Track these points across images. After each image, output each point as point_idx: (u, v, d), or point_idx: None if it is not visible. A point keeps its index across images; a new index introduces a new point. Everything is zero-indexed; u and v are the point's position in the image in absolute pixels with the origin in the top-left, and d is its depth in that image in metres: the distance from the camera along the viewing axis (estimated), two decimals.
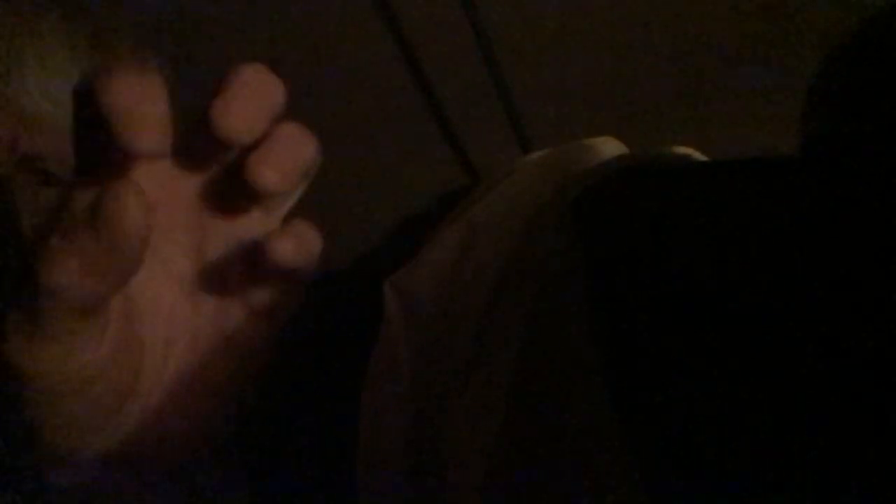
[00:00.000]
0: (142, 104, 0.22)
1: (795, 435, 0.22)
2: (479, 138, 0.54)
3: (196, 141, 0.26)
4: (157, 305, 0.27)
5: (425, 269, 0.39)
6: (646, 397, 0.27)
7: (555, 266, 0.32)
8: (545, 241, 0.34)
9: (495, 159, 0.53)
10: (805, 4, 0.50)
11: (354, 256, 0.53)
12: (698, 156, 0.38)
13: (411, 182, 0.54)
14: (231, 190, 0.27)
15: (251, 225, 0.28)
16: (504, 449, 0.31)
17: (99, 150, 0.23)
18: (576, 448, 0.29)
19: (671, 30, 0.51)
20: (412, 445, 0.35)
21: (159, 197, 0.26)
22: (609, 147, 0.41)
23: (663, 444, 0.26)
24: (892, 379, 0.20)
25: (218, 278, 0.28)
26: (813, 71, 0.25)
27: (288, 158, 0.26)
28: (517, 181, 0.41)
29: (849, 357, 0.21)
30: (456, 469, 0.32)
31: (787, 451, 0.23)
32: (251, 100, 0.25)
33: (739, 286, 0.25)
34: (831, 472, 0.22)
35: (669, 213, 0.31)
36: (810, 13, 0.50)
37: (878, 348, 0.21)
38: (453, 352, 0.35)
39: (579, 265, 0.31)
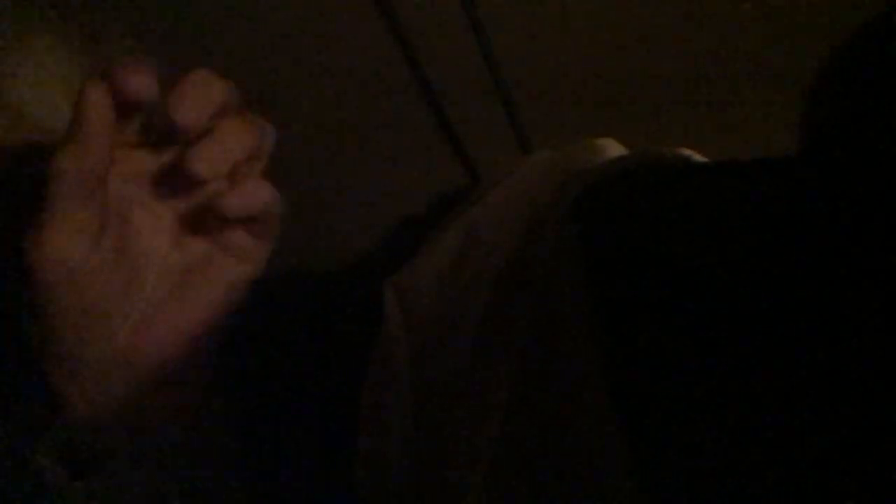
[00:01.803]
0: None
1: (795, 434, 0.23)
2: (479, 138, 0.54)
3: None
4: (151, 247, 0.33)
5: (425, 269, 0.39)
6: (646, 397, 0.27)
7: (555, 266, 0.32)
8: (545, 241, 0.34)
9: (495, 159, 0.53)
10: (805, 5, 0.50)
11: (354, 256, 0.53)
12: (698, 156, 0.38)
13: (411, 182, 0.54)
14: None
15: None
16: (504, 449, 0.31)
17: None
18: (576, 448, 0.29)
19: (671, 30, 0.51)
20: (412, 445, 0.35)
21: (150, 168, 0.33)
22: (609, 147, 0.41)
23: (663, 443, 0.26)
24: (892, 378, 0.20)
25: (199, 229, 0.34)
26: (813, 71, 0.25)
27: (218, 150, 0.31)
28: (517, 181, 0.41)
29: (849, 356, 0.21)
30: (456, 469, 0.32)
31: (787, 451, 0.23)
32: (195, 97, 0.31)
33: (739, 286, 0.25)
34: (831, 472, 0.22)
35: (669, 213, 0.31)
36: (810, 14, 0.50)
37: (878, 347, 0.21)
38: (453, 352, 0.35)
39: (579, 265, 0.31)
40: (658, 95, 0.54)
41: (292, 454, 0.41)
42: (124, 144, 0.32)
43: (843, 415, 0.21)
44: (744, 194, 0.28)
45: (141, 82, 0.29)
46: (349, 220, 0.54)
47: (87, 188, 0.30)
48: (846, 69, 0.24)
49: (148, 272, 0.33)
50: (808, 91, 0.25)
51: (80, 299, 0.30)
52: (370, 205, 0.54)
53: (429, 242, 0.41)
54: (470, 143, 0.53)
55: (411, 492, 0.35)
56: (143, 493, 0.31)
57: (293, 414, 0.41)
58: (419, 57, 0.48)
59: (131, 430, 0.32)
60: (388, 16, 0.46)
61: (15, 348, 0.31)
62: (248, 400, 0.35)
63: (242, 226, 0.34)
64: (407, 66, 0.48)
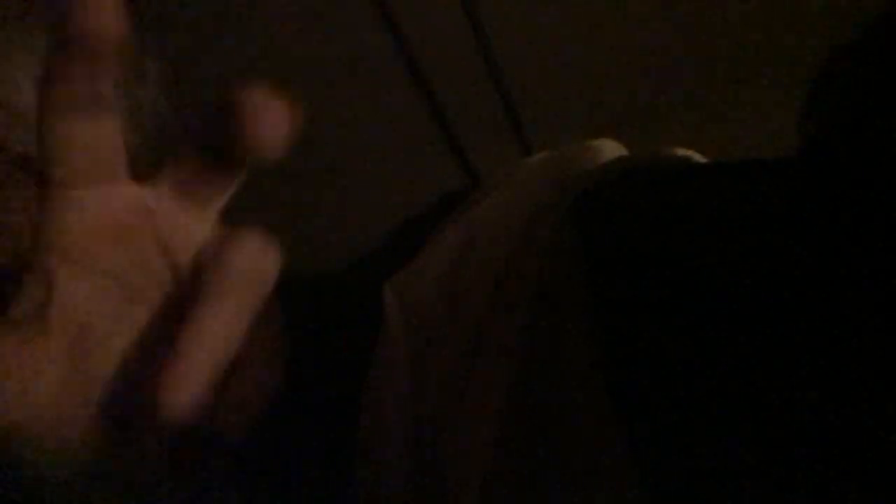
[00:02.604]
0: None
1: (795, 433, 0.23)
2: (480, 140, 0.54)
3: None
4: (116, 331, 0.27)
5: (425, 270, 0.39)
6: (646, 396, 0.27)
7: (555, 266, 0.32)
8: (545, 242, 0.34)
9: (495, 161, 0.53)
10: (805, 6, 0.50)
11: (355, 258, 0.53)
12: (698, 157, 0.38)
13: (411, 184, 0.54)
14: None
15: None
16: (504, 449, 0.31)
17: None
18: (575, 448, 0.29)
19: (671, 32, 0.51)
20: (412, 445, 0.35)
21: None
22: (609, 149, 0.41)
23: (663, 442, 0.26)
24: (892, 378, 0.20)
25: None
26: (813, 72, 0.25)
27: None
28: (517, 183, 0.41)
29: (849, 355, 0.21)
30: (456, 469, 0.32)
31: (787, 449, 0.23)
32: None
33: (739, 286, 0.25)
34: (831, 471, 0.22)
35: (669, 214, 0.31)
36: (810, 15, 0.50)
37: (878, 347, 0.21)
38: (453, 352, 0.35)
39: (579, 266, 0.31)
40: (658, 96, 0.54)
41: (293, 454, 0.41)
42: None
43: (842, 413, 0.21)
44: (744, 194, 0.28)
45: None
46: (349, 220, 0.54)
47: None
48: (846, 69, 0.24)
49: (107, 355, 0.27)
50: (807, 91, 0.25)
51: (40, 429, 0.25)
52: (370, 205, 0.54)
53: (429, 243, 0.41)
54: (470, 143, 0.54)
55: (411, 492, 0.35)
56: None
57: (293, 414, 0.41)
58: (419, 57, 0.48)
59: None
60: (388, 16, 0.46)
61: None
62: None
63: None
64: (407, 67, 0.48)
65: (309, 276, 0.51)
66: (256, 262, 0.26)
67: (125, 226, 0.26)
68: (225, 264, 0.25)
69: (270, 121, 0.25)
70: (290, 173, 0.50)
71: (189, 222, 0.27)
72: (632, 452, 0.27)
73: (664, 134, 0.54)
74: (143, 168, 0.27)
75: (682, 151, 0.39)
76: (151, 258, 0.27)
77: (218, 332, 0.24)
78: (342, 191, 0.53)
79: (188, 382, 0.23)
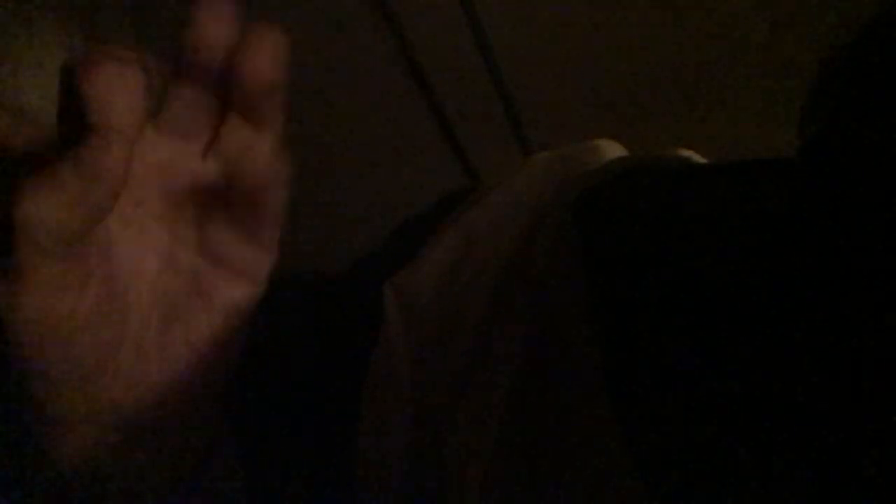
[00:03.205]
0: (117, 94, 0.24)
1: (795, 434, 0.23)
2: (480, 140, 0.54)
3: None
4: (139, 273, 0.28)
5: (425, 270, 0.39)
6: (645, 397, 0.27)
7: (555, 267, 0.32)
8: (545, 243, 0.34)
9: (495, 161, 0.53)
10: (805, 6, 0.50)
11: (355, 258, 0.53)
12: (698, 158, 0.39)
13: (412, 184, 0.54)
14: (201, 162, 0.29)
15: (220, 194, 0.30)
16: (504, 449, 0.31)
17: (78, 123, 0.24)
18: (575, 449, 0.29)
19: (671, 32, 0.51)
20: (412, 446, 0.35)
21: (136, 169, 0.27)
22: (609, 149, 0.41)
23: (663, 443, 0.26)
24: (892, 379, 0.20)
25: (194, 243, 0.29)
26: (813, 72, 0.25)
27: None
28: (517, 183, 0.41)
29: (849, 356, 0.21)
30: (456, 469, 0.32)
31: (787, 450, 0.23)
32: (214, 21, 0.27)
33: (739, 287, 0.25)
34: (831, 472, 0.22)
35: (669, 214, 0.31)
36: (810, 14, 0.50)
37: (878, 348, 0.21)
38: (453, 352, 0.35)
39: (579, 266, 0.31)
40: (658, 96, 0.54)
41: (293, 455, 0.41)
42: None
43: (842, 414, 0.21)
44: (744, 195, 0.29)
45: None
46: (349, 221, 0.54)
47: (75, 241, 0.24)
48: (846, 69, 0.24)
49: (137, 308, 0.28)
50: (807, 91, 0.25)
51: (66, 357, 0.26)
52: (370, 205, 0.54)
53: (429, 243, 0.41)
54: (470, 144, 0.54)
55: (411, 492, 0.35)
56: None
57: (293, 415, 0.41)
58: (419, 58, 0.48)
59: (129, 484, 0.29)
60: (388, 16, 0.46)
61: None
62: (246, 399, 0.35)
63: (246, 226, 0.29)
64: (406, 67, 0.48)
65: (309, 276, 0.51)
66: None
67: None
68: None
69: (262, 50, 0.27)
70: (290, 173, 0.50)
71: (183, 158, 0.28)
72: (632, 453, 0.27)
73: (664, 134, 0.54)
74: None
75: (682, 151, 0.39)
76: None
77: None
78: (342, 190, 0.53)
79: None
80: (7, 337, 0.25)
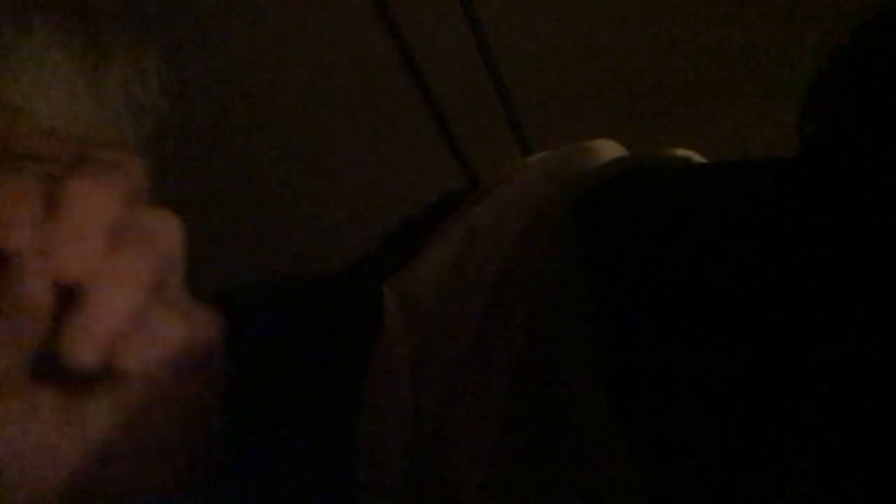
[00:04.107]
0: None
1: (795, 434, 0.23)
2: (479, 140, 0.54)
3: None
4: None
5: (425, 270, 0.39)
6: (645, 397, 0.27)
7: (555, 267, 0.32)
8: (545, 243, 0.34)
9: (495, 161, 0.53)
10: (805, 6, 0.50)
11: (355, 258, 0.53)
12: (697, 158, 0.39)
13: (411, 184, 0.54)
14: None
15: None
16: (504, 449, 0.31)
17: None
18: (575, 448, 0.29)
19: (671, 32, 0.51)
20: (412, 446, 0.35)
21: None
22: (609, 149, 0.41)
23: (662, 443, 0.26)
24: (892, 379, 0.20)
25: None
26: (813, 72, 0.25)
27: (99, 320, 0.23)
28: (517, 183, 0.41)
29: (849, 355, 0.21)
30: (456, 469, 0.32)
31: (786, 450, 0.23)
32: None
33: (738, 287, 0.25)
34: (830, 473, 0.22)
35: (669, 214, 0.31)
36: (810, 14, 0.50)
37: (877, 347, 0.21)
38: (453, 352, 0.35)
39: (579, 266, 0.31)
40: (658, 96, 0.54)
41: (292, 455, 0.41)
42: None
43: (842, 413, 0.21)
44: (743, 195, 0.29)
45: None
46: (349, 221, 0.54)
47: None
48: (846, 69, 0.24)
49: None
50: (807, 91, 0.25)
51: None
52: (370, 205, 0.54)
53: (429, 243, 0.41)
54: (470, 144, 0.53)
55: (411, 492, 0.35)
56: None
57: (293, 414, 0.41)
58: (418, 57, 0.48)
59: None
60: (387, 16, 0.46)
61: None
62: (246, 399, 0.35)
63: None
64: (406, 66, 0.48)
65: (308, 277, 0.51)
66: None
67: None
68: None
69: None
70: (290, 173, 0.50)
71: None
72: (631, 453, 0.27)
73: (664, 134, 0.54)
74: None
75: (681, 151, 0.39)
76: None
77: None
78: (341, 190, 0.53)
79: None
80: None
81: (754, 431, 0.24)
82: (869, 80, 0.23)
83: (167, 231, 0.24)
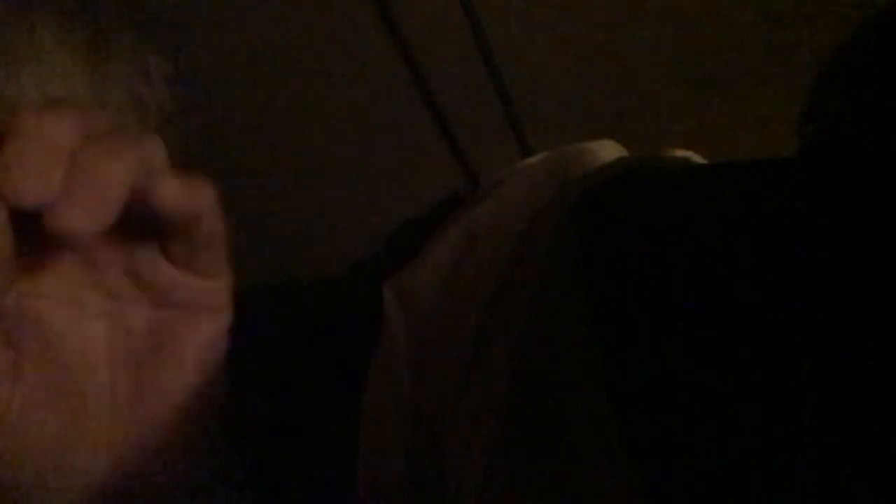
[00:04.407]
0: None
1: (795, 434, 0.23)
2: (479, 141, 0.54)
3: None
4: (85, 347, 0.27)
5: (425, 271, 0.39)
6: (645, 397, 0.27)
7: (555, 267, 0.32)
8: (545, 243, 0.34)
9: (495, 162, 0.53)
10: (805, 7, 0.50)
11: (355, 259, 0.53)
12: (697, 159, 0.39)
13: (411, 185, 0.54)
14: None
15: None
16: (503, 449, 0.31)
17: None
18: (575, 448, 0.29)
19: (671, 33, 0.51)
20: (412, 446, 0.35)
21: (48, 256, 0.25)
22: (609, 150, 0.41)
23: (662, 443, 0.26)
24: (892, 379, 0.20)
25: (136, 298, 0.27)
26: (813, 72, 0.25)
27: (90, 194, 0.22)
28: (517, 184, 0.41)
29: (849, 356, 0.21)
30: (456, 469, 0.32)
31: (787, 451, 0.23)
32: (34, 153, 0.22)
33: (738, 287, 0.25)
34: (830, 473, 0.22)
35: (668, 215, 0.31)
36: (810, 15, 0.50)
37: (877, 348, 0.21)
38: (453, 353, 0.35)
39: (579, 267, 0.31)
40: (658, 97, 0.54)
41: (292, 455, 0.41)
42: None
43: (842, 413, 0.21)
44: (743, 195, 0.29)
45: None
46: (349, 221, 0.54)
47: None
48: (846, 69, 0.24)
49: (93, 382, 0.26)
50: (808, 91, 0.25)
51: (18, 449, 0.24)
52: (370, 206, 0.54)
53: (429, 243, 0.41)
54: (470, 144, 0.54)
55: (411, 492, 0.35)
56: None
57: (293, 415, 0.41)
58: (419, 57, 0.48)
59: None
60: (387, 16, 0.46)
61: None
62: (246, 398, 0.35)
63: (183, 258, 0.27)
64: (406, 67, 0.48)
65: (308, 277, 0.51)
66: None
67: None
68: None
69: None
70: (290, 173, 0.50)
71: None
72: (631, 453, 0.27)
73: (664, 135, 0.54)
74: None
75: (681, 152, 0.39)
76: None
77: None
78: (341, 191, 0.53)
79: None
80: None
81: (754, 432, 0.24)
82: (869, 80, 0.23)
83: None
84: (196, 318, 0.28)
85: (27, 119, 0.22)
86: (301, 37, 0.46)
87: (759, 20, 0.51)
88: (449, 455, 0.33)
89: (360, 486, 0.36)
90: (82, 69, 0.37)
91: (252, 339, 0.34)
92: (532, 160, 0.44)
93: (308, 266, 0.52)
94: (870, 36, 0.23)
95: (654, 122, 0.55)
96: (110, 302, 0.27)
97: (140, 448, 0.27)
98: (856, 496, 0.21)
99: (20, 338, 0.25)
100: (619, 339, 0.29)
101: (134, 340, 0.27)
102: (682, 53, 0.52)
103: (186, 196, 0.25)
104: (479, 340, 0.34)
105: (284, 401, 0.41)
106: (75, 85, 0.36)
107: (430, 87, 0.50)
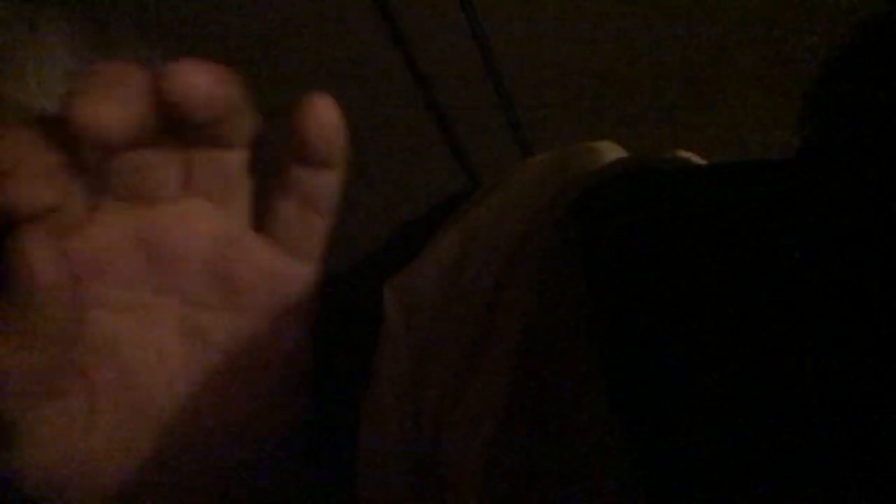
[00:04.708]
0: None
1: (795, 435, 0.23)
2: (480, 141, 0.54)
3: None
4: (163, 367, 0.24)
5: (425, 271, 0.39)
6: (645, 397, 0.27)
7: (555, 268, 0.32)
8: (545, 244, 0.34)
9: (495, 161, 0.53)
10: (805, 7, 0.50)
11: (355, 259, 0.53)
12: (697, 159, 0.39)
13: (411, 185, 0.54)
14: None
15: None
16: (503, 450, 0.31)
17: None
18: (574, 449, 0.29)
19: (672, 34, 0.51)
20: (412, 446, 0.35)
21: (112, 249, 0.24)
22: (608, 150, 0.41)
23: (663, 444, 0.26)
24: (892, 380, 0.20)
25: (213, 298, 0.26)
26: (812, 72, 0.25)
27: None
28: (517, 184, 0.41)
29: (850, 357, 0.21)
30: (455, 469, 0.32)
31: (787, 451, 0.23)
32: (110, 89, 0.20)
33: (738, 288, 0.25)
34: (831, 475, 0.22)
35: (668, 215, 0.31)
36: (810, 14, 0.50)
37: (878, 350, 0.21)
38: (453, 353, 0.35)
39: (579, 267, 0.31)
40: (658, 97, 0.54)
41: (291, 455, 0.41)
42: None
43: (843, 414, 0.21)
44: (743, 196, 0.29)
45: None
46: (349, 221, 0.54)
47: (50, 381, 0.21)
48: (846, 69, 0.24)
49: (168, 402, 0.24)
50: (807, 91, 0.25)
51: (94, 486, 0.22)
52: (370, 205, 0.54)
53: (429, 243, 0.41)
54: (470, 144, 0.54)
55: (411, 491, 0.35)
56: None
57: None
58: (419, 57, 0.48)
59: None
60: (387, 16, 0.46)
61: None
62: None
63: (283, 219, 0.26)
64: (406, 67, 0.48)
65: None
66: None
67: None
68: None
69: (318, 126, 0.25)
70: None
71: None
72: (631, 452, 0.27)
73: (664, 135, 0.54)
74: None
75: (681, 152, 0.39)
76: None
77: None
78: (341, 191, 0.53)
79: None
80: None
81: (755, 432, 0.24)
82: (868, 80, 0.23)
83: None
84: (278, 326, 0.26)
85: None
86: (301, 37, 0.46)
87: (759, 20, 0.51)
88: (449, 454, 0.33)
89: (360, 485, 0.36)
90: (85, 67, 0.37)
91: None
92: (532, 160, 0.44)
93: None
94: (869, 36, 0.23)
95: (654, 122, 0.55)
96: (187, 308, 0.25)
97: (220, 466, 0.26)
98: (856, 496, 0.21)
99: (91, 364, 0.22)
100: (619, 338, 0.29)
101: (212, 353, 0.25)
102: (682, 55, 0.52)
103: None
104: (478, 341, 0.34)
105: None
106: None
107: (430, 87, 0.50)
